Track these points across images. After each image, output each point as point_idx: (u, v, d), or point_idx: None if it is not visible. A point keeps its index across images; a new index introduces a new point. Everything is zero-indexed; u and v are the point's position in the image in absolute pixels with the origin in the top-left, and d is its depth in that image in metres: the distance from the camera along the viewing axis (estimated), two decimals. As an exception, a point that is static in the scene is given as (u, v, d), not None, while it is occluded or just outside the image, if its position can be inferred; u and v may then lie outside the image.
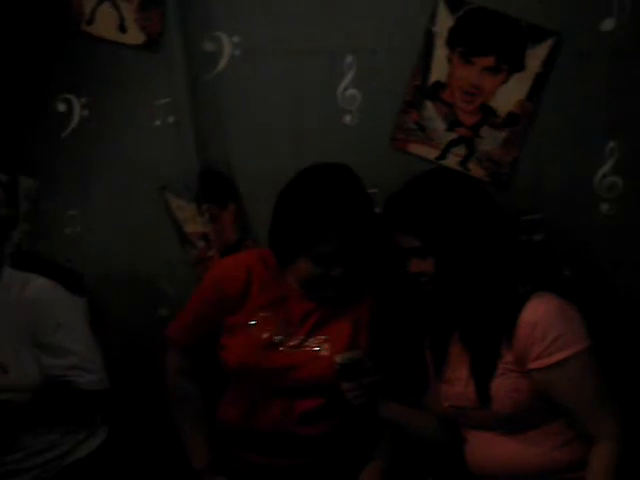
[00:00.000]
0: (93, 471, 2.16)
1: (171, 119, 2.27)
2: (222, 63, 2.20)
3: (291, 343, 1.88)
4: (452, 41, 2.00)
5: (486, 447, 1.75)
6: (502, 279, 1.71)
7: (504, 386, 1.67)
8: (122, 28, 2.29)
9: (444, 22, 2.00)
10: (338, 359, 1.79)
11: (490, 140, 2.00)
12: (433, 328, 1.84)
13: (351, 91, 2.10)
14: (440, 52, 2.02)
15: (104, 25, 2.31)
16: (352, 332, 1.88)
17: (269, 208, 1.89)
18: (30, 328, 2.09)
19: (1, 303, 2.10)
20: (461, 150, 2.03)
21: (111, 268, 2.43)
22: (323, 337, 1.88)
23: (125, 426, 2.29)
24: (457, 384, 1.76)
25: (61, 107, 2.38)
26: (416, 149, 2.07)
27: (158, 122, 2.29)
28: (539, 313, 1.64)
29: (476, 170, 2.01)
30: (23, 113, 2.43)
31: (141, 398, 2.37)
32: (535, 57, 1.91)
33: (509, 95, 1.95)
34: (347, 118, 2.11)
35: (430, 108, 2.05)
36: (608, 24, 1.83)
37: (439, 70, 2.02)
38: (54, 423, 2.13)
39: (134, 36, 2.28)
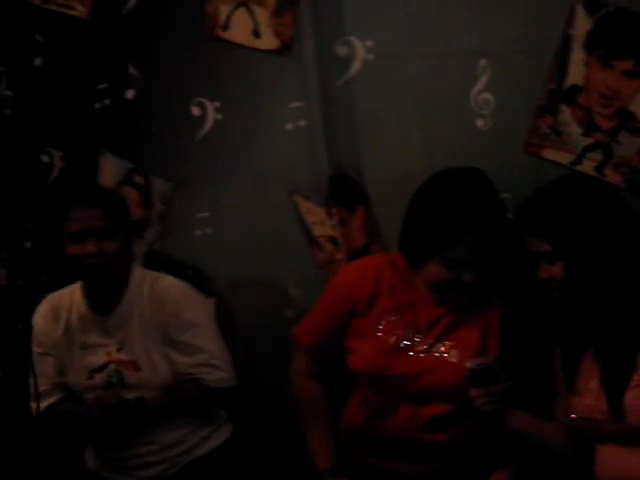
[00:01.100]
0: (217, 466, 2.31)
1: (303, 123, 2.39)
2: (354, 67, 2.30)
3: (419, 348, 1.93)
4: (590, 44, 2.04)
5: (618, 461, 1.75)
6: (637, 288, 1.73)
7: (639, 399, 1.68)
8: (256, 33, 2.43)
9: (582, 25, 2.04)
10: (468, 365, 1.84)
11: (628, 145, 2.02)
12: (564, 337, 1.86)
13: (485, 95, 2.16)
14: (577, 55, 2.05)
15: (239, 31, 2.45)
16: (481, 338, 1.92)
17: (398, 212, 1.96)
18: (161, 326, 2.24)
19: (132, 301, 2.27)
20: (597, 155, 2.06)
21: (239, 270, 2.56)
22: (452, 343, 1.93)
23: (250, 425, 2.43)
24: (587, 396, 1.77)
25: (196, 111, 2.53)
26: (550, 154, 2.11)
27: (290, 126, 2.41)
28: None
29: (612, 176, 2.03)
30: (159, 116, 2.60)
31: (266, 398, 2.49)
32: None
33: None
34: (480, 122, 2.18)
35: (566, 112, 2.08)
36: None
37: (576, 73, 2.06)
38: (182, 419, 2.28)
39: (268, 41, 2.41)
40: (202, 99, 2.53)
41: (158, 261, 2.59)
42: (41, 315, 2.36)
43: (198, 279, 2.47)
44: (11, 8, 2.80)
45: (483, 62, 2.16)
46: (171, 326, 2.25)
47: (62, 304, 2.35)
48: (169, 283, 2.31)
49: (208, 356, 2.24)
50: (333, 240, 2.41)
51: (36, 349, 2.35)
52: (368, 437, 2.02)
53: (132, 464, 2.29)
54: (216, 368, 2.25)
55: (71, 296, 2.35)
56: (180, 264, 2.54)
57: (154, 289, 2.28)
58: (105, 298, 2.28)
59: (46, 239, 2.83)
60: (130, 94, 2.64)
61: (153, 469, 2.28)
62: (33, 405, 2.33)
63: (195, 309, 2.29)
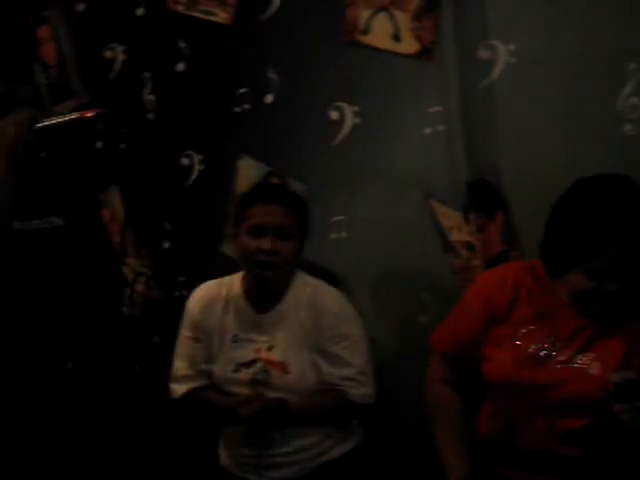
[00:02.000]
0: (347, 471, 2.36)
1: (441, 127, 2.42)
2: (496, 71, 2.31)
3: (558, 359, 1.91)
4: None
5: None
6: None
7: None
8: (396, 37, 2.48)
9: None
10: (614, 379, 1.79)
11: None
12: None
13: (633, 99, 2.13)
14: None
15: (379, 35, 2.50)
16: (626, 351, 1.89)
17: (539, 219, 1.96)
18: (315, 334, 2.30)
19: (291, 304, 2.34)
20: None
21: (373, 274, 2.61)
22: (593, 355, 1.90)
23: (380, 430, 2.48)
24: None
25: (334, 115, 2.60)
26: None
27: (428, 130, 2.44)
28: None
29: None
30: (297, 120, 2.69)
31: (397, 404, 2.53)
32: None
33: None
34: (627, 127, 2.15)
35: None
36: None
37: None
38: (319, 425, 2.35)
39: (408, 45, 2.45)
40: (340, 103, 2.59)
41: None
42: (197, 301, 2.44)
43: (332, 282, 2.53)
44: (156, 16, 2.97)
45: (632, 66, 2.14)
46: (326, 336, 2.30)
47: (220, 293, 2.41)
48: (330, 294, 2.37)
49: (355, 371, 2.29)
50: (470, 246, 2.42)
51: (186, 333, 2.43)
52: (503, 448, 2.01)
53: (264, 464, 2.35)
54: (361, 384, 2.29)
55: (230, 286, 2.41)
56: (314, 267, 2.60)
57: (314, 297, 2.34)
58: (265, 296, 2.35)
59: (185, 240, 2.98)
60: (269, 98, 2.74)
61: (285, 470, 2.34)
62: (173, 387, 2.43)
63: (350, 323, 2.34)
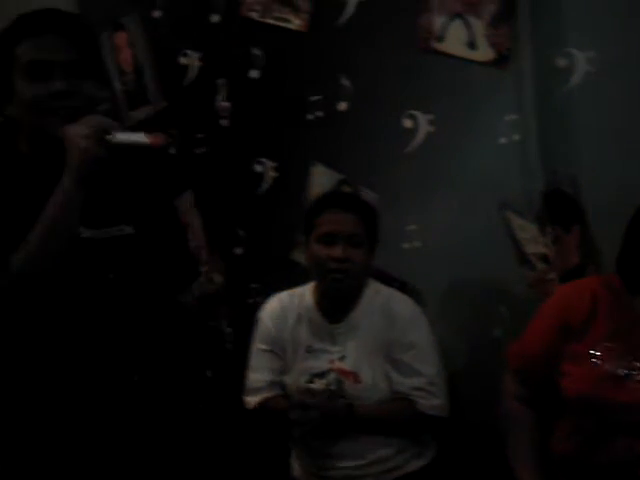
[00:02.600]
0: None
1: (517, 137, 2.40)
2: (574, 79, 2.29)
3: (639, 378, 1.88)
4: None
5: None
6: None
7: None
8: (472, 45, 2.47)
9: None
10: None
11: None
12: None
13: None
14: None
15: (454, 42, 2.49)
16: None
17: (617, 231, 1.94)
18: (387, 343, 2.32)
19: (363, 313, 2.35)
20: None
21: (446, 285, 2.61)
22: None
23: (454, 445, 2.47)
24: None
25: (407, 123, 2.60)
26: None
27: (503, 139, 2.43)
28: None
29: None
30: (370, 128, 2.69)
31: (470, 418, 2.52)
32: None
33: None
34: None
35: None
36: None
37: None
38: (391, 437, 2.34)
39: (483, 53, 2.44)
40: (414, 111, 2.59)
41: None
42: (269, 313, 2.47)
43: (404, 292, 2.53)
44: (231, 23, 3.01)
45: None
46: (395, 344, 2.31)
47: (292, 304, 2.45)
48: (402, 301, 2.39)
49: (425, 380, 2.29)
50: (545, 258, 2.40)
51: (260, 345, 2.47)
52: (580, 467, 1.97)
53: (338, 475, 2.36)
54: (431, 394, 2.29)
55: (301, 297, 2.45)
56: (387, 276, 2.61)
57: (386, 304, 2.36)
58: (338, 306, 2.37)
59: (257, 246, 3.02)
60: (342, 106, 2.75)
61: (358, 482, 2.36)
62: (247, 399, 2.47)
63: (420, 331, 2.34)
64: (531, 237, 2.43)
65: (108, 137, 1.63)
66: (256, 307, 2.60)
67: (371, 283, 2.41)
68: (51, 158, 1.70)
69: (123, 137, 1.66)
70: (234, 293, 3.09)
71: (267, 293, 2.63)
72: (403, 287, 2.57)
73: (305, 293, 2.45)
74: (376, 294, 2.38)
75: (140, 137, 1.68)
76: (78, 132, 1.63)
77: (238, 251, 3.10)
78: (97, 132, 1.63)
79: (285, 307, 2.46)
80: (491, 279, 2.52)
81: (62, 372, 1.73)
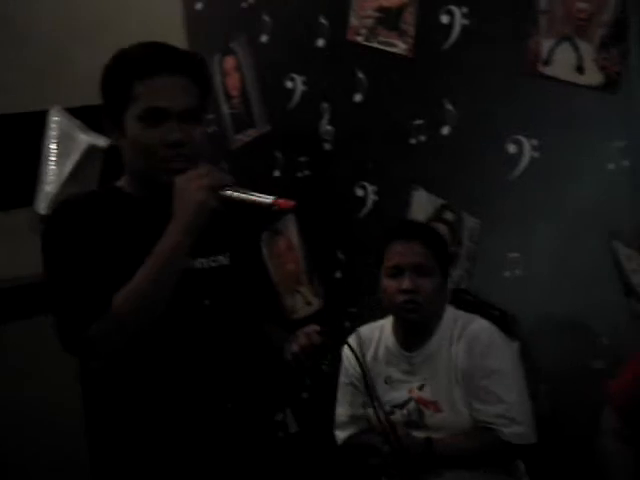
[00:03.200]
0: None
1: (626, 163, 2.33)
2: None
3: None
4: None
5: None
6: None
7: None
8: (580, 69, 2.42)
9: None
10: None
11: None
12: None
13: None
14: None
15: (561, 66, 2.44)
16: None
17: None
18: (466, 370, 2.28)
19: (441, 341, 2.33)
20: None
21: (548, 315, 2.55)
22: None
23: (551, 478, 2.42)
24: None
25: (511, 148, 2.57)
26: None
27: (612, 165, 2.36)
28: None
29: None
30: (473, 153, 2.68)
31: (569, 453, 2.44)
32: None
33: None
34: None
35: None
36: None
37: None
38: (477, 469, 2.29)
39: (591, 77, 2.38)
40: (518, 136, 2.56)
41: (464, 300, 2.64)
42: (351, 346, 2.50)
43: (504, 321, 2.50)
44: (336, 47, 3.05)
45: None
46: (475, 371, 2.28)
47: (372, 337, 2.46)
48: (481, 326, 2.35)
49: (506, 407, 2.24)
50: (655, 290, 2.33)
51: (343, 379, 2.50)
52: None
53: None
54: (514, 421, 2.23)
55: (381, 329, 2.46)
56: (486, 305, 2.58)
57: (465, 331, 2.33)
58: (414, 335, 2.37)
59: (356, 270, 3.03)
60: (445, 130, 2.75)
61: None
62: (336, 433, 2.49)
63: (501, 356, 2.30)
64: (639, 268, 2.35)
65: (224, 193, 1.64)
66: (353, 332, 2.60)
67: (449, 310, 2.39)
68: (156, 201, 1.72)
69: (241, 195, 1.66)
70: (332, 316, 3.10)
71: (364, 318, 2.63)
72: (503, 315, 2.53)
73: (385, 324, 2.46)
74: (454, 321, 2.36)
75: (260, 197, 1.65)
76: (192, 184, 1.64)
77: (337, 275, 3.12)
78: (214, 186, 1.64)
79: (365, 340, 2.46)
80: (594, 309, 2.44)
81: (159, 398, 1.76)
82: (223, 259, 1.84)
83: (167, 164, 1.71)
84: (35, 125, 3.42)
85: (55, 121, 3.40)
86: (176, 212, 1.65)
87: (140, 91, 1.72)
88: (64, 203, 1.87)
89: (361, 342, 2.45)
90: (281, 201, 1.62)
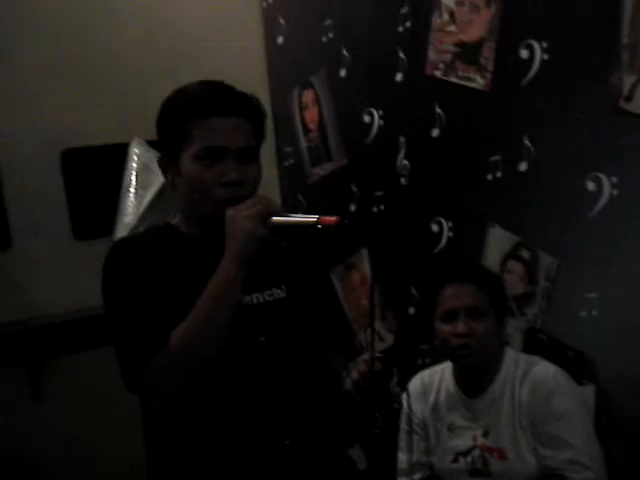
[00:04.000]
0: None
1: None
2: None
3: None
4: None
5: None
6: None
7: None
8: (661, 104, 2.39)
9: None
10: None
11: None
12: None
13: None
14: None
15: (644, 102, 2.43)
16: None
17: None
18: (530, 414, 2.24)
19: (503, 385, 2.29)
20: None
21: (625, 357, 2.48)
22: None
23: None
24: None
25: (590, 186, 2.52)
26: None
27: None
28: None
29: None
30: (551, 190, 2.64)
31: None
32: None
33: None
34: None
35: None
36: None
37: None
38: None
39: (674, 112, 2.36)
40: (598, 174, 2.51)
41: (538, 339, 2.61)
42: (411, 392, 2.45)
43: (579, 363, 2.45)
44: (414, 81, 3.07)
45: None
46: (540, 415, 2.23)
47: (432, 382, 2.44)
48: (543, 369, 2.30)
49: (575, 452, 2.18)
50: None
51: (404, 425, 2.48)
52: None
53: None
54: (584, 467, 2.17)
55: (442, 373, 2.44)
56: (561, 345, 2.54)
57: (528, 374, 2.29)
58: (474, 379, 2.34)
59: (428, 307, 3.02)
60: (523, 166, 2.72)
61: None
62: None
63: (567, 399, 2.25)
64: None
65: (272, 220, 1.66)
66: (424, 369, 2.59)
67: (509, 353, 2.35)
68: (210, 240, 1.75)
69: (287, 219, 1.68)
70: (404, 353, 3.09)
71: (437, 355, 2.61)
72: (578, 357, 2.48)
73: (445, 369, 2.44)
74: (515, 364, 2.31)
75: (306, 218, 1.67)
76: (242, 214, 1.66)
77: (411, 311, 3.12)
78: (261, 214, 1.65)
79: (426, 385, 2.45)
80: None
81: (217, 435, 1.78)
82: (279, 292, 1.85)
83: (221, 203, 1.73)
84: (117, 157, 3.54)
85: (136, 153, 3.50)
86: (227, 244, 1.67)
87: (196, 131, 1.75)
88: (121, 242, 1.94)
89: (422, 387, 2.44)
90: (324, 218, 1.63)
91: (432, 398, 2.43)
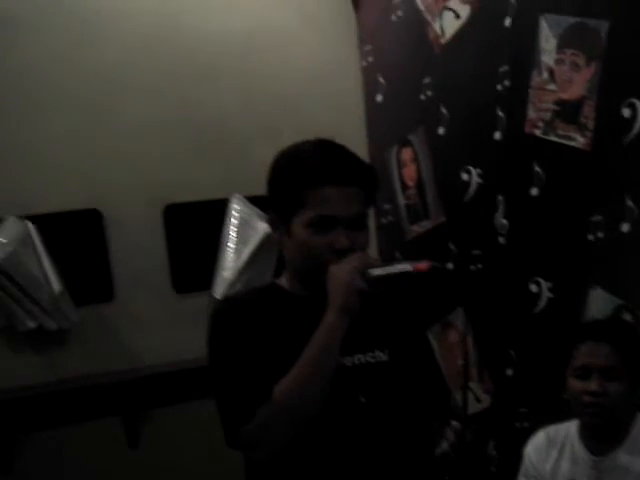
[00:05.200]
0: None
1: None
2: None
3: None
4: None
5: None
6: None
7: None
8: None
9: None
10: None
11: None
12: None
13: None
14: None
15: None
16: None
17: None
18: None
19: (631, 451, 2.23)
20: None
21: None
22: None
23: None
24: None
25: None
26: None
27: None
28: None
29: None
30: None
31: None
32: None
33: None
34: None
35: None
36: None
37: None
38: None
39: None
40: None
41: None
42: (535, 445, 2.43)
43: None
44: (513, 140, 3.07)
45: None
46: None
47: (557, 437, 2.39)
48: None
49: None
50: None
51: (522, 477, 2.43)
52: None
53: None
54: None
55: (568, 430, 2.39)
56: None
57: None
58: (602, 439, 2.29)
59: (529, 369, 2.98)
60: (625, 227, 2.68)
61: None
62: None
63: None
64: None
65: (369, 272, 1.71)
66: (523, 432, 2.55)
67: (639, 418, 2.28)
68: (316, 300, 1.77)
69: (383, 270, 1.73)
70: (501, 416, 3.05)
71: (536, 419, 2.57)
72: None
73: (572, 426, 2.38)
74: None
75: (401, 267, 1.71)
76: (342, 268, 1.71)
77: (508, 372, 3.08)
78: (359, 267, 1.70)
79: (550, 439, 2.40)
80: None
81: None
82: (382, 355, 1.86)
83: (329, 266, 1.76)
84: (217, 212, 3.64)
85: (235, 209, 3.60)
86: (329, 298, 1.72)
87: (311, 199, 1.77)
88: (227, 300, 1.98)
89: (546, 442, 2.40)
90: (417, 265, 1.67)
91: (555, 453, 2.38)
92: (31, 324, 3.50)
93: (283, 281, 1.92)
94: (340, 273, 1.71)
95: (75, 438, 3.59)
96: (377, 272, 1.72)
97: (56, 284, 3.46)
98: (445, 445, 1.75)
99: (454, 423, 1.76)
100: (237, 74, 3.83)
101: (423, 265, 1.67)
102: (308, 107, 3.87)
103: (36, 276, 3.44)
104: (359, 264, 1.71)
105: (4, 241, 3.40)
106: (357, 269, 1.70)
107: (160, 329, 3.73)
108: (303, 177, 1.78)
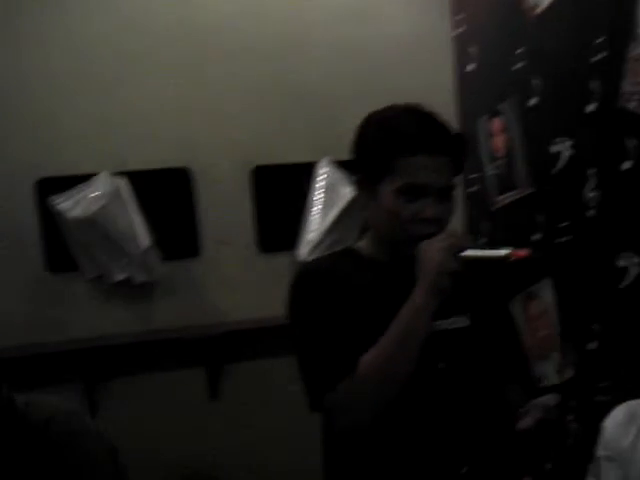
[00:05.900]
0: None
1: None
2: None
3: None
4: None
5: None
6: None
7: None
8: None
9: None
10: None
11: None
12: None
13: None
14: None
15: None
16: None
17: None
18: None
19: None
20: None
21: None
22: None
23: None
24: None
25: None
26: None
27: None
28: None
29: None
30: None
31: None
32: None
33: None
34: None
35: None
36: None
37: None
38: None
39: None
40: None
41: None
42: (613, 420, 2.37)
43: None
44: (606, 113, 3.04)
45: None
46: None
47: (638, 413, 2.36)
48: None
49: None
50: None
51: (601, 452, 2.43)
52: None
53: None
54: None
55: None
56: None
57: None
58: None
59: (613, 343, 2.96)
60: None
61: None
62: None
63: None
64: None
65: (463, 254, 1.70)
66: (604, 406, 2.54)
67: None
68: (398, 265, 1.80)
69: (478, 252, 1.73)
70: (584, 389, 3.05)
71: (617, 393, 2.57)
72: None
73: None
74: None
75: (495, 252, 1.71)
76: (435, 246, 1.71)
77: (592, 346, 3.07)
78: (453, 248, 1.70)
79: (632, 414, 2.37)
80: None
81: (396, 459, 1.81)
82: (463, 320, 1.87)
83: (416, 239, 1.76)
84: (305, 175, 3.69)
85: (324, 172, 3.64)
86: (420, 275, 1.72)
87: (402, 167, 1.77)
88: (308, 266, 1.99)
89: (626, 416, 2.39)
90: (516, 252, 1.66)
91: (635, 430, 2.35)
92: (120, 276, 3.62)
93: (362, 245, 1.93)
94: (433, 251, 1.70)
95: (158, 386, 3.72)
96: (471, 255, 1.71)
97: (145, 238, 3.56)
98: (529, 420, 1.76)
99: (543, 399, 1.77)
100: (330, 42, 3.88)
101: (522, 252, 1.66)
102: (398, 75, 3.89)
103: (126, 230, 3.56)
104: (453, 243, 1.71)
105: (97, 194, 3.51)
106: (451, 249, 1.70)
107: (243, 286, 3.82)
108: (396, 145, 1.78)
